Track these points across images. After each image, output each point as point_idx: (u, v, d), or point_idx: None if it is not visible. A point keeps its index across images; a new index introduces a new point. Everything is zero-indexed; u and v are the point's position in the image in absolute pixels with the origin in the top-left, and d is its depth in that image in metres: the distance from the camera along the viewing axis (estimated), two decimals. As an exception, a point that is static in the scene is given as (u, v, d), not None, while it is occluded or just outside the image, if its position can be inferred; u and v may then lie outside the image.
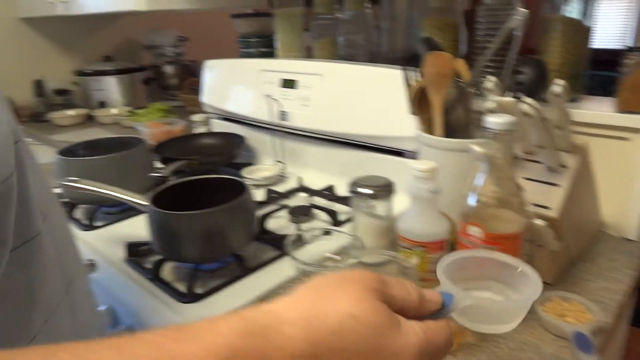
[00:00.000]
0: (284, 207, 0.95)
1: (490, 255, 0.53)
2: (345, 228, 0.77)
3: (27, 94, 1.94)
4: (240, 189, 0.75)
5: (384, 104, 0.95)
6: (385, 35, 1.11)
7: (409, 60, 0.85)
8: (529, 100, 0.56)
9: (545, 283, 0.65)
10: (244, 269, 0.73)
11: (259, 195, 1.03)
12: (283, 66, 1.14)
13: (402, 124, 0.92)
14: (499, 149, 0.54)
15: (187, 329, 0.28)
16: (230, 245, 0.72)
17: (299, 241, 0.75)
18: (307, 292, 0.33)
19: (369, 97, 0.97)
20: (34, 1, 1.71)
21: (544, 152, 0.64)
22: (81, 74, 1.97)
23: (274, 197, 1.02)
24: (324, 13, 1.21)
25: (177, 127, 1.47)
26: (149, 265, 0.75)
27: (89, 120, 1.90)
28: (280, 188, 1.07)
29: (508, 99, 0.58)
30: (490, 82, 0.63)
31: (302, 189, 1.07)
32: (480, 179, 0.57)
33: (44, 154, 1.39)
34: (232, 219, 0.71)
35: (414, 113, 0.85)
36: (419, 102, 0.83)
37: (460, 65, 0.82)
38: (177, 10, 1.30)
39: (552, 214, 0.61)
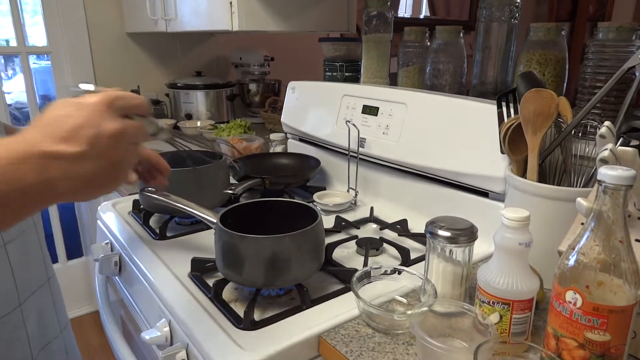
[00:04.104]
0: (352, 237, 0.91)
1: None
2: (416, 269, 0.71)
3: (124, 101, 2.08)
4: (312, 216, 0.72)
5: (471, 139, 0.88)
6: (477, 67, 1.04)
7: (503, 94, 0.79)
8: (653, 151, 0.48)
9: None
10: (305, 300, 0.69)
11: (328, 222, 1.00)
12: (366, 92, 1.11)
13: (489, 162, 0.85)
14: (611, 205, 0.46)
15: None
16: (295, 274, 0.68)
17: (366, 278, 0.70)
18: None
19: (455, 130, 0.91)
20: (140, 18, 1.84)
21: (663, 212, 0.55)
22: (172, 86, 2.08)
23: (343, 225, 0.98)
24: (413, 41, 1.17)
25: (255, 144, 1.49)
26: (211, 283, 0.74)
27: (175, 130, 2.00)
28: (351, 217, 1.03)
29: (627, 148, 0.51)
30: (604, 127, 0.55)
31: (373, 219, 1.02)
32: (583, 236, 0.49)
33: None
34: (300, 248, 0.68)
35: (505, 152, 0.77)
36: (512, 141, 0.76)
37: (563, 104, 0.74)
38: (267, 31, 1.33)
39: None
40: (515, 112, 0.78)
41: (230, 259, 0.68)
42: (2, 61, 2.59)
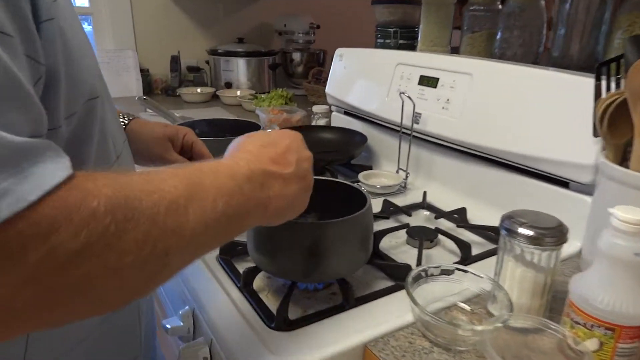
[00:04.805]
0: (403, 225, 0.79)
1: None
2: (480, 269, 0.60)
3: (165, 68, 2.01)
4: (360, 200, 0.61)
5: (552, 118, 0.74)
6: (558, 34, 0.89)
7: (603, 63, 0.64)
8: None
9: None
10: (348, 298, 0.59)
11: (375, 206, 0.88)
12: (424, 60, 0.97)
13: (575, 146, 0.71)
14: None
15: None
16: (338, 268, 0.58)
17: (422, 277, 0.59)
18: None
19: (532, 107, 0.77)
20: (181, -23, 1.75)
21: None
22: (213, 52, 1.99)
23: (391, 210, 0.87)
24: (481, 3, 1.02)
25: (296, 116, 1.39)
26: (241, 268, 0.65)
27: (214, 99, 1.92)
28: (400, 201, 0.91)
29: None
30: None
31: (426, 206, 0.90)
32: None
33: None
34: (346, 237, 0.57)
35: (599, 135, 0.63)
36: (611, 121, 0.62)
37: (683, 77, 0.59)
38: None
39: None
40: (617, 85, 0.64)
41: (263, 246, 0.59)
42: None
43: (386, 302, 0.61)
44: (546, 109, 0.75)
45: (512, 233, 0.52)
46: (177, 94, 1.92)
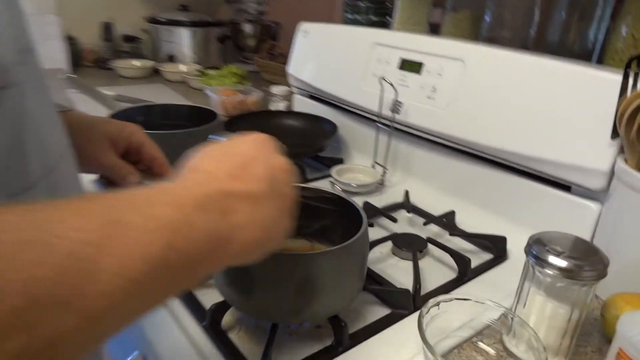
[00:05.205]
0: (389, 236, 0.69)
1: None
2: (480, 287, 0.51)
3: (95, 36, 1.77)
4: (354, 218, 0.50)
5: (560, 115, 0.66)
6: (557, 19, 0.81)
7: (635, 57, 0.56)
8: None
9: None
10: (342, 337, 0.48)
11: (353, 208, 0.78)
12: (407, 42, 0.86)
13: (586, 148, 0.63)
14: None
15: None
16: (331, 305, 0.47)
17: (432, 310, 0.49)
18: None
19: (536, 102, 0.68)
20: None
21: None
22: (153, 21, 1.77)
23: (371, 214, 0.76)
24: (467, -22, 0.92)
25: (251, 98, 1.24)
26: (206, 302, 0.53)
27: (155, 74, 1.71)
28: (377, 200, 0.81)
29: None
30: None
31: (409, 207, 0.80)
32: None
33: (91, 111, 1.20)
34: (341, 268, 0.46)
35: (621, 137, 0.56)
36: (632, 124, 0.54)
37: None
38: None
39: None
40: (644, 82, 0.56)
41: (237, 280, 0.46)
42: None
43: (385, 338, 0.51)
44: (551, 105, 0.67)
45: (543, 263, 0.44)
46: (111, 67, 1.69)
